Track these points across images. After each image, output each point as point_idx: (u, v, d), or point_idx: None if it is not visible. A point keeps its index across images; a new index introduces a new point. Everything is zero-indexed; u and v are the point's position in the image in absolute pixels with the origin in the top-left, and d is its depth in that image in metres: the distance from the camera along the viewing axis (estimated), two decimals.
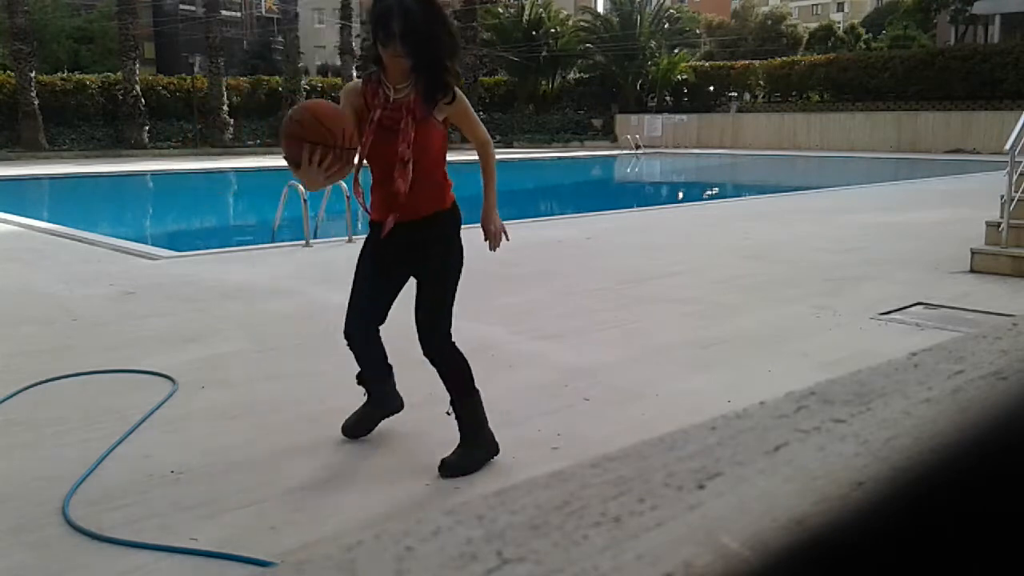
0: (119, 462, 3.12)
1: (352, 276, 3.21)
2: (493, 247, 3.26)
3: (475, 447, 3.11)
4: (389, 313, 3.23)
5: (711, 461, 0.52)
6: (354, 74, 33.35)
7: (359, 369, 3.34)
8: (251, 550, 2.47)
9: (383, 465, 3.11)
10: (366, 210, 3.19)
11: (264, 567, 2.36)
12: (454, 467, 3.03)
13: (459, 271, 3.16)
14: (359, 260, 3.22)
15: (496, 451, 3.13)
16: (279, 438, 3.37)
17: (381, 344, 3.30)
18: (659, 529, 0.43)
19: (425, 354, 3.14)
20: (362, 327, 3.22)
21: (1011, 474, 0.29)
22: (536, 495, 0.47)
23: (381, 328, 3.26)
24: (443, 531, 0.43)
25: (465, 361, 3.15)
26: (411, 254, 3.12)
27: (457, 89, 3.08)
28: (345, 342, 3.26)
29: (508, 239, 3.25)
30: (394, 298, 3.23)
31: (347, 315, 3.23)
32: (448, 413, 3.20)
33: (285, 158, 2.88)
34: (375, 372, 3.32)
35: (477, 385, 3.17)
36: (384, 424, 3.52)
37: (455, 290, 3.14)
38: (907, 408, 0.61)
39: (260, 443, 3.32)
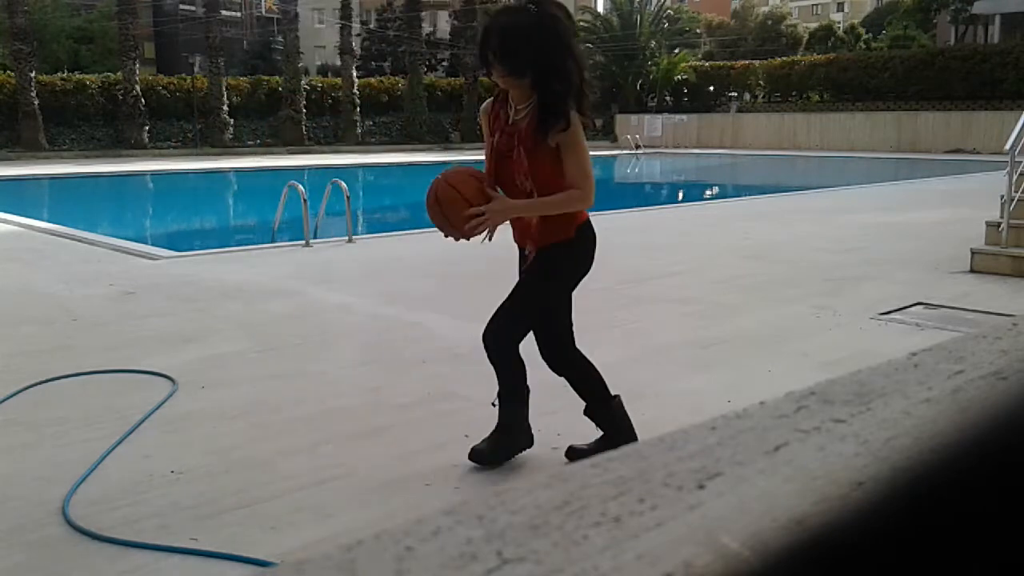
0: (119, 462, 3.12)
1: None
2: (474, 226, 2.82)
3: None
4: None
5: (711, 461, 0.52)
6: (354, 74, 33.28)
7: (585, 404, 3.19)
8: (251, 550, 2.47)
9: (383, 465, 3.11)
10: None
11: (264, 567, 2.36)
12: (481, 455, 3.01)
13: (544, 295, 3.09)
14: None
15: (530, 442, 3.11)
16: (279, 438, 3.37)
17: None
18: (659, 529, 0.43)
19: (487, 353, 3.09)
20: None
21: (1011, 474, 0.29)
22: (536, 495, 0.47)
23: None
24: (443, 531, 0.43)
25: (516, 368, 3.09)
26: None
27: (576, 118, 2.82)
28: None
29: (489, 240, 2.99)
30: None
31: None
32: (493, 404, 3.13)
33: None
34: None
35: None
36: (384, 424, 3.53)
37: (537, 310, 3.10)
38: (907, 408, 0.61)
39: (260, 443, 3.32)
